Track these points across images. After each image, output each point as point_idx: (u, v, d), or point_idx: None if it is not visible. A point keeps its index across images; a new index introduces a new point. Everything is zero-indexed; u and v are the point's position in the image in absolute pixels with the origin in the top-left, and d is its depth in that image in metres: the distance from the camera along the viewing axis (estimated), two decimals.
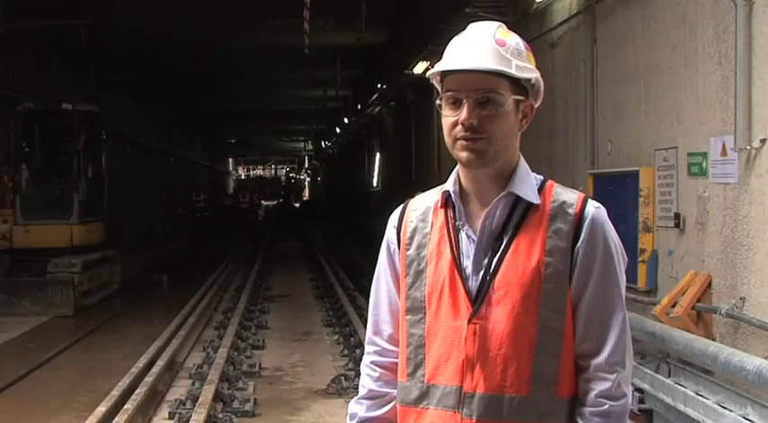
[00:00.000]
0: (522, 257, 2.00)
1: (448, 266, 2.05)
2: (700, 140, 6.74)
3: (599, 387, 1.99)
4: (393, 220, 2.20)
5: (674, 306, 6.63)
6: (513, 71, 1.99)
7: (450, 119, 2.02)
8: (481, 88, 1.99)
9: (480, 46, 2.01)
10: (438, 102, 2.07)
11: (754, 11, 5.89)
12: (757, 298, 5.92)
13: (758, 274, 5.91)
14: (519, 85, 2.02)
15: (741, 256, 6.12)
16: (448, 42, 2.11)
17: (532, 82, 2.05)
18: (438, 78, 2.07)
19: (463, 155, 2.01)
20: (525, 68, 2.03)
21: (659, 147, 7.50)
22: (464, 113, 1.99)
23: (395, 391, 2.15)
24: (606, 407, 1.99)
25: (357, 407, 2.21)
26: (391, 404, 2.17)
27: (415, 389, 2.07)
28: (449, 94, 2.03)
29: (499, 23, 2.10)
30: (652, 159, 7.62)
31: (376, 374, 2.19)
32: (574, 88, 9.87)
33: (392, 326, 2.18)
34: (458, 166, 2.10)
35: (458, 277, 2.04)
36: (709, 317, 6.49)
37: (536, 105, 2.09)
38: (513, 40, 2.05)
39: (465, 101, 1.99)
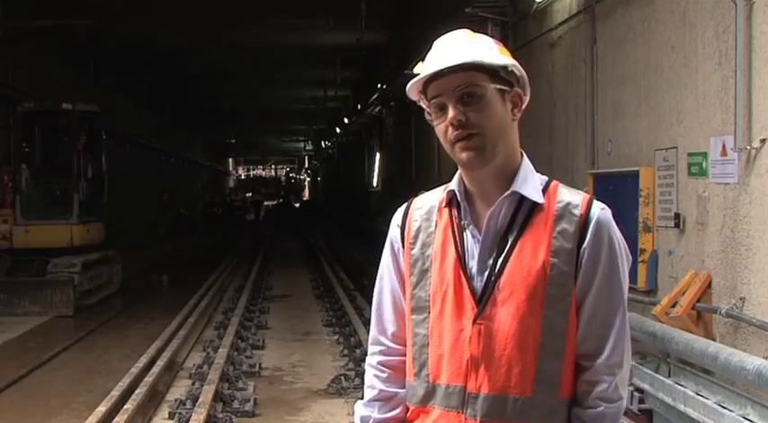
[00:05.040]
0: (528, 258, 2.00)
1: (453, 266, 2.05)
2: (700, 140, 6.74)
3: (597, 388, 2.00)
4: (397, 218, 2.19)
5: (674, 306, 6.63)
6: (484, 59, 1.99)
7: (441, 124, 2.02)
8: (459, 85, 1.99)
9: (448, 50, 2.03)
10: (428, 117, 2.07)
11: (754, 11, 5.89)
12: (757, 298, 5.92)
13: (758, 274, 5.91)
14: (498, 76, 2.01)
15: (741, 256, 6.12)
16: None
17: (510, 69, 2.03)
18: (422, 96, 2.07)
19: (463, 156, 2.00)
20: (498, 57, 2.03)
21: (659, 147, 7.49)
22: (450, 113, 1.99)
23: (404, 390, 2.14)
24: (602, 408, 1.99)
25: (368, 409, 2.17)
26: (402, 404, 2.14)
27: (420, 388, 2.07)
28: (433, 101, 2.03)
29: (464, 29, 2.11)
30: (652, 159, 7.62)
31: (384, 375, 2.17)
32: (574, 88, 9.87)
33: (396, 324, 2.17)
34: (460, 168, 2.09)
35: (463, 277, 2.03)
36: (710, 317, 6.49)
37: (525, 96, 2.07)
38: (481, 38, 2.07)
39: (448, 102, 2.00)
